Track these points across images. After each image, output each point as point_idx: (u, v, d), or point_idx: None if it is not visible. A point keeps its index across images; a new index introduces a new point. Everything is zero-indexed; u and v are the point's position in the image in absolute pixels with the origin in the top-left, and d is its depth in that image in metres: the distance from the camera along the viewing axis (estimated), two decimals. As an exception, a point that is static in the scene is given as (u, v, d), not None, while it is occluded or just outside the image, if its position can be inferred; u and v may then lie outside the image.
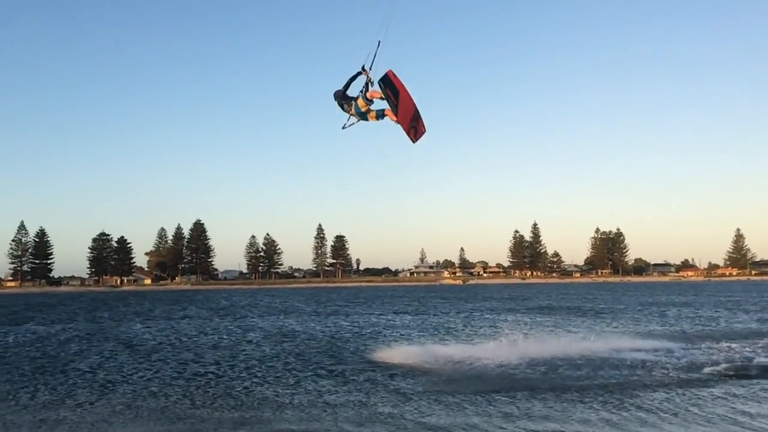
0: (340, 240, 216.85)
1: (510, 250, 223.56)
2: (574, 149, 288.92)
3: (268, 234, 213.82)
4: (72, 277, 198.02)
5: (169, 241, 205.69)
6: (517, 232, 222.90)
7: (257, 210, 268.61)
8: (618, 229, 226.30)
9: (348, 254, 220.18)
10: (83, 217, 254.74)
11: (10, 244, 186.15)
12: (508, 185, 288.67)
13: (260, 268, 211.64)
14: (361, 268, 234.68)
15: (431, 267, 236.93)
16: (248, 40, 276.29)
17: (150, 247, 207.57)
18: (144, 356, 26.46)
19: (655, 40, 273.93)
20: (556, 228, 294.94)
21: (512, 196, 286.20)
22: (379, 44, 12.24)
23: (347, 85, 12.90)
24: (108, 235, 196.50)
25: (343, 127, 13.31)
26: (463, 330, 36.73)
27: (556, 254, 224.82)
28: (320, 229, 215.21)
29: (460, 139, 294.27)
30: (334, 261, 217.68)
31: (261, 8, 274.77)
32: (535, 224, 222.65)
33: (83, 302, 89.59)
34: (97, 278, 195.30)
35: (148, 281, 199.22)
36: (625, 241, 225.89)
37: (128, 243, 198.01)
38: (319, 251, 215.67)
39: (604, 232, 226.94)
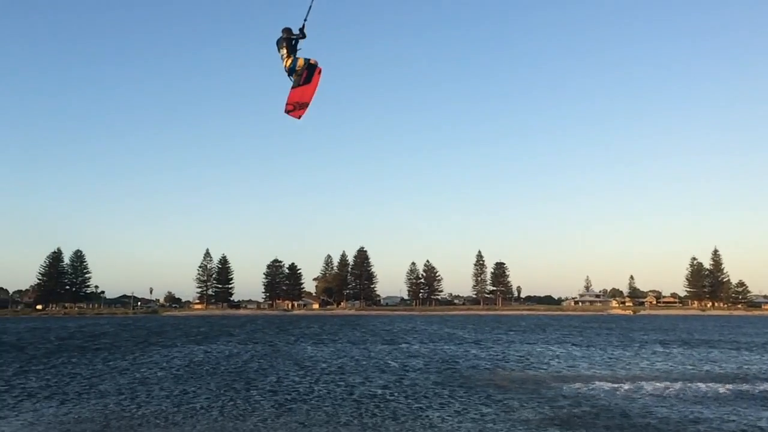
0: (500, 267, 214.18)
1: (687, 279, 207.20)
2: (757, 164, 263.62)
3: (428, 261, 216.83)
4: (249, 301, 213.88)
5: (335, 268, 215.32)
6: (694, 259, 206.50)
7: (418, 237, 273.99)
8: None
9: (508, 281, 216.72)
10: (259, 245, 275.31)
11: (198, 270, 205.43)
12: (683, 207, 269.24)
13: (421, 294, 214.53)
14: (522, 295, 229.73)
15: (597, 296, 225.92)
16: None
17: (318, 273, 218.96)
18: (316, 377, 28.04)
19: None
20: (742, 254, 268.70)
21: (688, 219, 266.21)
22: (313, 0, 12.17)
23: (297, 40, 12.68)
24: (280, 261, 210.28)
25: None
26: (634, 363, 34.73)
27: (742, 284, 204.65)
28: (480, 256, 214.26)
29: (628, 158, 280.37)
30: (494, 288, 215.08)
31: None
32: (715, 251, 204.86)
33: (259, 324, 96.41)
34: (271, 302, 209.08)
35: (315, 306, 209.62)
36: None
37: (298, 269, 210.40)
38: (479, 278, 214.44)
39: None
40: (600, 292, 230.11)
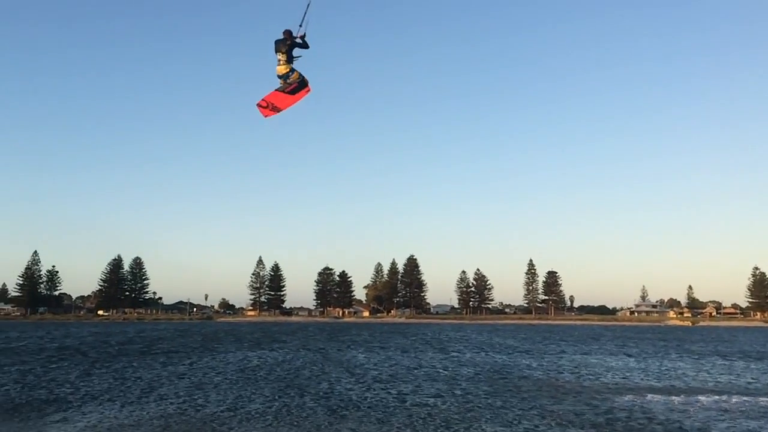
0: (552, 276, 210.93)
1: (749, 289, 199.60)
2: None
3: (478, 269, 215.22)
4: (301, 308, 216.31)
5: (385, 276, 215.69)
6: (756, 269, 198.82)
7: (468, 245, 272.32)
8: None
9: (561, 290, 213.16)
10: (311, 253, 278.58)
11: (251, 277, 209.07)
12: (744, 215, 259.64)
13: (471, 303, 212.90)
14: (575, 305, 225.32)
15: (654, 306, 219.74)
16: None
17: (368, 281, 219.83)
18: (367, 384, 28.22)
19: None
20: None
21: (750, 227, 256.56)
22: (308, 5, 12.54)
23: (300, 46, 13.04)
24: (331, 269, 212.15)
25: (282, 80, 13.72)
26: (692, 376, 33.73)
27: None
28: (531, 265, 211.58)
29: (686, 168, 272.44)
30: (547, 297, 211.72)
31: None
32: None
33: (311, 331, 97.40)
34: (322, 309, 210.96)
35: (366, 313, 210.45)
36: None
37: (349, 277, 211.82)
38: (531, 287, 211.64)
39: None
40: (657, 302, 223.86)
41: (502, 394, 25.38)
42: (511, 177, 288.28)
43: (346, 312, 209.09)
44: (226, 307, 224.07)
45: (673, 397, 24.26)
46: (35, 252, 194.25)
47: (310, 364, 38.85)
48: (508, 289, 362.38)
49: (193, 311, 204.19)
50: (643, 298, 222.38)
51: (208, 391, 25.85)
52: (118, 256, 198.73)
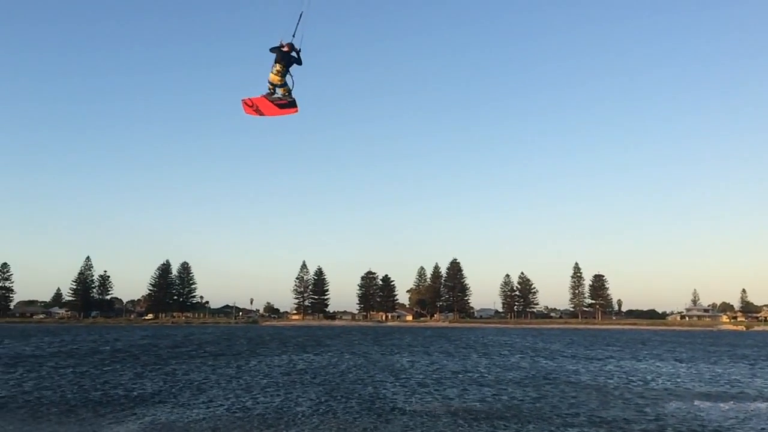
0: (598, 279, 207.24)
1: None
2: None
3: (522, 273, 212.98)
4: (344, 312, 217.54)
5: (428, 280, 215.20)
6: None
7: (512, 248, 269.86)
8: None
9: (608, 294, 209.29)
10: (354, 257, 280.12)
11: (295, 281, 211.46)
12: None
13: (515, 307, 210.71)
14: (623, 309, 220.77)
15: (706, 310, 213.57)
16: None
17: (411, 285, 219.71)
18: (412, 389, 28.21)
19: None
20: None
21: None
22: (301, 15, 13.00)
23: (296, 62, 13.68)
24: (374, 273, 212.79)
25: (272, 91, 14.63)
26: (746, 382, 32.68)
27: None
28: (577, 268, 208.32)
29: (736, 165, 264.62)
30: (593, 301, 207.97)
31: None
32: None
33: (355, 335, 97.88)
34: (365, 313, 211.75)
35: (409, 317, 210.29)
36: None
37: (392, 281, 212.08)
38: (577, 291, 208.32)
39: None
40: (709, 306, 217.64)
41: (549, 399, 25.08)
42: (555, 179, 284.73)
43: (390, 316, 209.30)
44: (271, 311, 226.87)
45: (726, 404, 23.60)
46: (88, 257, 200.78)
47: (355, 368, 39.06)
48: (553, 292, 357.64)
49: (238, 315, 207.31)
50: (695, 302, 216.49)
51: (256, 393, 26.25)
52: (167, 261, 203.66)
